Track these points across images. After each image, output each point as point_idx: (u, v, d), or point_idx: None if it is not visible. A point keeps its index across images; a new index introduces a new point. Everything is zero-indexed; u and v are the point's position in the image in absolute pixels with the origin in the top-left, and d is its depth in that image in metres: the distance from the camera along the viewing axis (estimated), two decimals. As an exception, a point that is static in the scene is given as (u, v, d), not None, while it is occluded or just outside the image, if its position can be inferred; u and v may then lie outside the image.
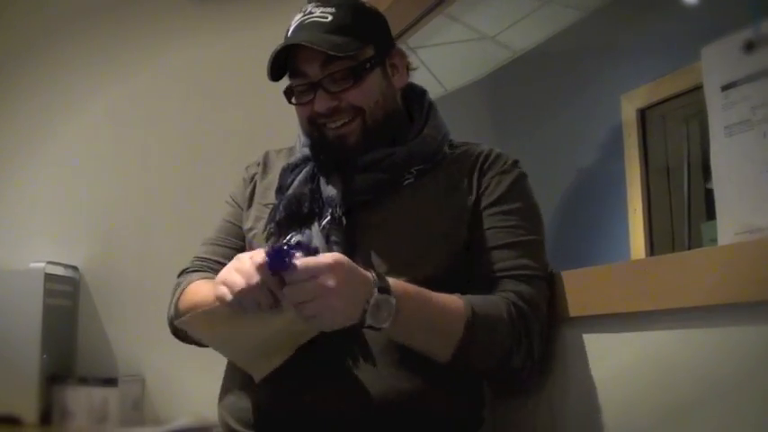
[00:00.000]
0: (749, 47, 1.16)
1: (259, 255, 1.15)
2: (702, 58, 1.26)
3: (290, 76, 1.44)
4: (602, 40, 3.31)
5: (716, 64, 1.23)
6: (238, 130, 2.61)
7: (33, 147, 2.76)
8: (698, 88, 1.80)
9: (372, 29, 1.47)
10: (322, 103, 1.40)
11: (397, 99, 1.51)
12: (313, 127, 1.45)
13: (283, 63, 1.41)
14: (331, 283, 1.11)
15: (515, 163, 1.49)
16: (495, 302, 1.31)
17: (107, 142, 2.72)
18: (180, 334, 1.53)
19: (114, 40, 2.76)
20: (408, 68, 1.54)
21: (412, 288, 1.24)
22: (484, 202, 1.42)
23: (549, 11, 3.16)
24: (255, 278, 1.14)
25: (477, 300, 1.30)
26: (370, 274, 1.18)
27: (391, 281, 1.20)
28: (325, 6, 1.43)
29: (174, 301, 1.52)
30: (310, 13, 1.43)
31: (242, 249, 1.53)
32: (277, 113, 2.53)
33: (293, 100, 1.46)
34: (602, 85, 3.35)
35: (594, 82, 3.37)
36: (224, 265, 1.29)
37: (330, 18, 1.40)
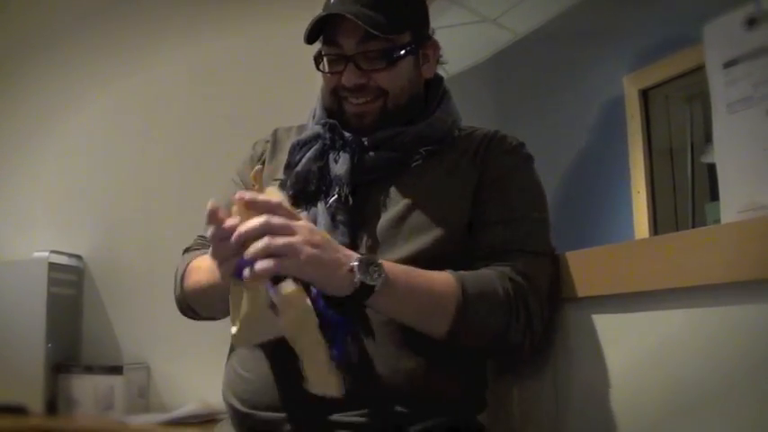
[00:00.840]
0: (751, 23, 1.15)
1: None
2: (704, 36, 1.25)
3: (324, 44, 1.44)
4: (604, 22, 3.30)
5: (718, 41, 1.22)
6: (240, 119, 2.61)
7: (36, 137, 2.76)
8: (700, 68, 1.79)
9: (414, 14, 1.47)
10: (350, 78, 1.40)
11: (421, 87, 1.51)
12: (334, 98, 1.46)
13: (319, 28, 1.40)
14: (298, 229, 1.12)
15: (521, 144, 1.49)
16: (487, 277, 1.30)
17: (110, 132, 2.72)
18: (188, 312, 1.53)
19: (116, 32, 2.75)
20: (439, 61, 1.53)
21: (398, 265, 1.24)
22: (487, 181, 1.42)
23: (551, -8, 3.15)
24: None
25: (468, 275, 1.29)
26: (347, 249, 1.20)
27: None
28: None
29: (178, 280, 1.52)
30: None
31: None
32: (278, 103, 2.56)
33: (322, 67, 1.46)
34: (604, 66, 3.33)
35: (597, 63, 3.36)
36: None
37: None
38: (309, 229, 1.14)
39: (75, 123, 2.74)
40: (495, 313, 1.28)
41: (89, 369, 2.36)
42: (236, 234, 1.09)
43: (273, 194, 1.16)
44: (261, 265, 1.07)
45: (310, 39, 1.41)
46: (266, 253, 1.08)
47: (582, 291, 1.38)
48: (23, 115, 2.79)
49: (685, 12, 2.83)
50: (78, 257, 2.60)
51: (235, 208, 1.13)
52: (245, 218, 1.11)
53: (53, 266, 2.42)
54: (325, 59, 1.45)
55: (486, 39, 3.44)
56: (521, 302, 1.30)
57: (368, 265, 1.16)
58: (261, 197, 1.12)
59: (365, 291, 1.16)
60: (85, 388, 2.33)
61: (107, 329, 2.57)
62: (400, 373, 1.28)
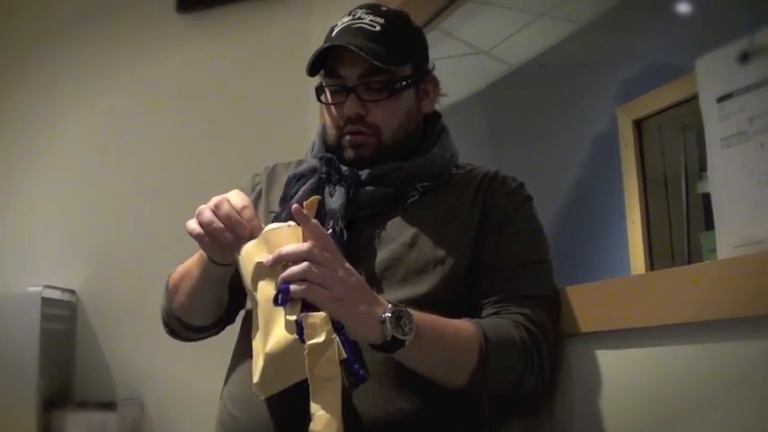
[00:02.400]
0: (744, 58, 1.15)
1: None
2: (697, 70, 1.25)
3: (326, 76, 1.45)
4: (597, 53, 3.31)
5: (711, 75, 1.22)
6: (234, 146, 2.61)
7: (28, 170, 2.76)
8: (693, 98, 1.78)
9: (415, 48, 1.49)
10: (351, 108, 1.41)
11: (419, 122, 1.51)
12: (337, 133, 1.46)
13: (321, 60, 1.42)
14: (338, 266, 1.12)
15: (521, 185, 1.49)
16: (505, 326, 1.30)
17: (102, 165, 2.72)
18: (173, 325, 1.51)
19: (102, 59, 2.76)
20: (439, 94, 1.54)
21: (423, 313, 1.21)
22: (488, 224, 1.41)
23: (544, 24, 3.17)
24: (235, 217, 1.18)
25: (487, 324, 1.29)
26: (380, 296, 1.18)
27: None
28: (375, 15, 1.43)
29: (164, 288, 1.51)
30: (360, 18, 1.43)
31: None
32: (274, 133, 2.56)
33: (324, 99, 1.47)
34: (597, 97, 3.34)
35: (590, 94, 3.37)
36: None
37: (378, 28, 1.40)
38: (347, 269, 1.14)
39: (68, 156, 2.74)
40: (513, 362, 1.28)
41: (82, 405, 2.34)
42: (275, 254, 1.11)
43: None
44: (296, 287, 1.09)
45: (312, 70, 1.42)
46: (303, 278, 1.09)
47: (580, 326, 1.37)
48: (14, 149, 2.78)
49: (677, 42, 2.84)
50: (72, 292, 2.58)
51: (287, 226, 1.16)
52: (283, 241, 1.14)
53: (46, 301, 2.41)
54: (327, 91, 1.45)
55: (480, 70, 3.46)
56: (534, 350, 1.30)
57: (399, 317, 1.14)
58: (314, 220, 1.14)
59: (395, 344, 1.15)
60: (78, 424, 2.31)
61: (100, 365, 2.55)
62: (394, 414, 1.26)
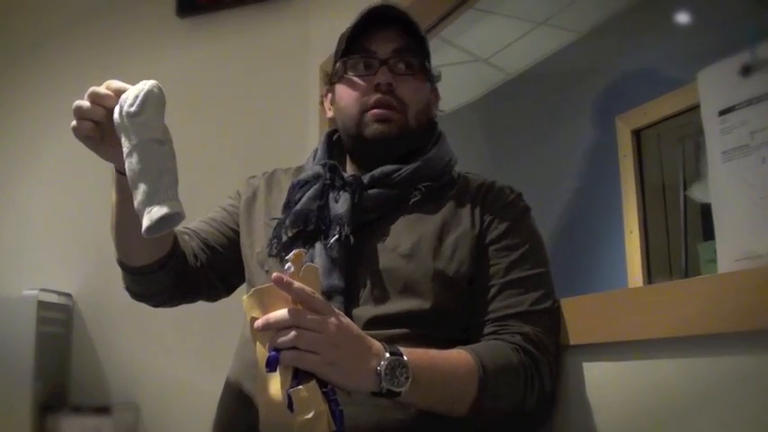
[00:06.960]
0: (746, 71, 1.15)
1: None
2: (698, 83, 1.25)
3: (354, 53, 1.49)
4: (596, 62, 3.31)
5: (712, 88, 1.22)
6: (233, 150, 2.61)
7: (25, 173, 2.75)
8: (693, 109, 1.78)
9: (429, 57, 1.54)
10: (384, 77, 1.44)
11: (429, 119, 1.55)
12: (360, 109, 1.46)
13: (350, 39, 1.47)
14: (328, 326, 1.09)
15: (519, 196, 1.49)
16: (503, 351, 1.29)
17: (100, 167, 2.69)
18: (128, 287, 1.55)
19: (102, 63, 2.75)
20: (437, 108, 1.59)
21: (419, 350, 1.20)
22: (488, 237, 1.41)
23: (543, 33, 3.17)
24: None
25: (484, 352, 1.28)
26: (378, 343, 1.15)
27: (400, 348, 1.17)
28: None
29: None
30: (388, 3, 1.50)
31: (228, 237, 1.58)
32: (272, 127, 2.56)
33: (347, 76, 1.49)
34: (596, 106, 3.34)
35: (589, 103, 3.37)
36: (204, 240, 1.52)
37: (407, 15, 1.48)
38: (338, 325, 1.10)
39: (65, 159, 2.73)
40: (513, 388, 1.28)
41: (77, 409, 2.33)
42: (263, 320, 1.08)
43: (311, 274, 1.13)
44: (285, 355, 1.06)
45: (347, 43, 1.47)
46: (292, 345, 1.06)
47: (575, 339, 1.37)
48: (10, 152, 2.78)
49: (677, 52, 2.84)
50: (68, 296, 2.58)
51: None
52: (275, 299, 1.10)
53: (42, 305, 2.40)
54: (350, 70, 1.48)
55: (479, 78, 3.46)
56: (534, 372, 1.30)
57: (394, 368, 1.13)
58: (297, 284, 1.09)
59: (390, 394, 1.14)
60: (73, 428, 2.30)
61: (96, 369, 2.54)
62: (391, 424, 1.26)
